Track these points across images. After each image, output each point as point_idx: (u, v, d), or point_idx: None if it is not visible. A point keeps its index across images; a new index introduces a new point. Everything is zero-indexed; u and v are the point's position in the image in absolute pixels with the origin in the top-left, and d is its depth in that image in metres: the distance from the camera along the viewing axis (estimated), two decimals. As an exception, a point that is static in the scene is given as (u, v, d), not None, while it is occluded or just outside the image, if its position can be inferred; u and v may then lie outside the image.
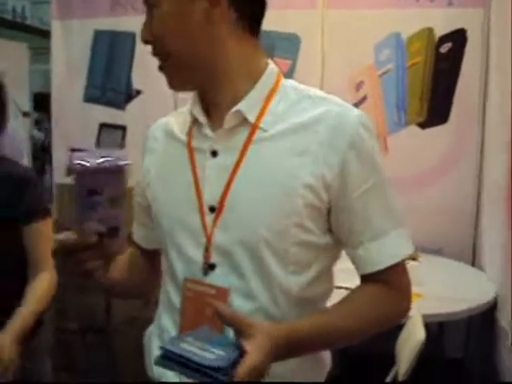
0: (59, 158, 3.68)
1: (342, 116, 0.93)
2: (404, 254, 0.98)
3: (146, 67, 3.13)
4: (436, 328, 2.56)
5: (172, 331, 1.02)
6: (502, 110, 2.51)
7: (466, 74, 2.91)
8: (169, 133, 1.07)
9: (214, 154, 0.97)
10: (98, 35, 3.51)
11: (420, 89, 3.00)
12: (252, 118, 0.95)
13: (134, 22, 3.08)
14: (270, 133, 0.95)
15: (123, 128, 3.50)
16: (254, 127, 0.95)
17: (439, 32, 2.94)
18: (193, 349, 0.80)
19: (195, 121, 1.01)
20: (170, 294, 1.04)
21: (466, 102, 2.92)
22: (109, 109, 3.54)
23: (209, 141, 0.98)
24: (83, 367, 2.88)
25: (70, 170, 0.81)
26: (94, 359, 2.93)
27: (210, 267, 0.97)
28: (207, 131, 0.98)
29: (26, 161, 3.94)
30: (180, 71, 0.97)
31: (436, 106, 2.99)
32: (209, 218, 0.97)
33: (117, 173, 0.84)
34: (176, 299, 1.02)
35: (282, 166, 0.93)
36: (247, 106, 0.95)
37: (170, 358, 0.80)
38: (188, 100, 1.03)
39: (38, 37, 4.83)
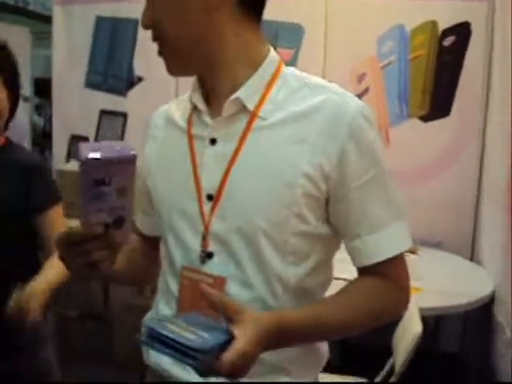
0: (59, 143, 3.67)
1: (340, 105, 0.92)
2: (401, 249, 0.97)
3: (147, 54, 3.11)
4: (433, 322, 2.57)
5: (169, 319, 1.02)
6: (505, 104, 2.50)
7: (469, 67, 2.90)
8: (170, 120, 1.06)
9: (213, 141, 0.96)
10: (100, 21, 3.50)
11: (422, 82, 2.99)
12: (251, 106, 0.94)
13: (136, 8, 3.04)
14: (270, 121, 0.94)
15: (124, 115, 3.49)
16: (253, 115, 0.94)
17: (443, 25, 2.92)
18: (178, 330, 0.79)
19: (195, 108, 1.00)
20: (168, 281, 1.03)
21: (468, 95, 2.91)
22: (110, 95, 3.53)
23: (208, 128, 0.97)
24: (82, 354, 2.90)
25: (80, 161, 0.79)
26: (93, 345, 2.95)
27: (207, 256, 0.96)
28: (206, 119, 0.97)
29: (26, 146, 3.93)
30: (178, 56, 0.95)
31: (438, 99, 2.97)
32: (207, 206, 0.96)
33: (127, 163, 0.82)
34: (174, 287, 1.01)
35: (281, 155, 0.92)
36: (246, 93, 0.94)
37: (153, 337, 0.79)
38: (189, 87, 1.02)
39: (40, 22, 4.80)
